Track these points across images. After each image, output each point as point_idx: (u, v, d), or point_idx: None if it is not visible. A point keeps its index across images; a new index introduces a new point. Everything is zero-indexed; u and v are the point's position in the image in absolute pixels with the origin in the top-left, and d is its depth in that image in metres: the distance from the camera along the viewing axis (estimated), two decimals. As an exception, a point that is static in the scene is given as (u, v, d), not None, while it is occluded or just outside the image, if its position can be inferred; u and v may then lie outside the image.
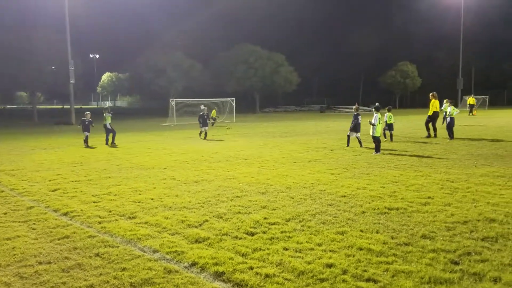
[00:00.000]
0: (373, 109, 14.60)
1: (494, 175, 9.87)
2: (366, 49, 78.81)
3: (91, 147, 17.97)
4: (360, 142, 15.79)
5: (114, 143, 18.87)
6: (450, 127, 18.00)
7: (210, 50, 68.20)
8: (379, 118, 14.29)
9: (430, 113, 19.11)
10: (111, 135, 18.99)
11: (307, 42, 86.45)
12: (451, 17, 68.16)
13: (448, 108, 18.52)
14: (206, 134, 21.37)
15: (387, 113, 18.15)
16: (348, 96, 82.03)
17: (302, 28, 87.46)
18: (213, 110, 34.06)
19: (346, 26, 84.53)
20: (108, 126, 19.09)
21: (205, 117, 21.78)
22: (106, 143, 18.90)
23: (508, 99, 71.06)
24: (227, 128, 26.72)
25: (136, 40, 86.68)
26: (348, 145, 16.00)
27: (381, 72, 74.37)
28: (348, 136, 16.17)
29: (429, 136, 18.96)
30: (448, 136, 17.86)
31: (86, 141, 18.53)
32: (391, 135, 18.05)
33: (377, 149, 14.17)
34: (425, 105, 32.42)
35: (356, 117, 15.86)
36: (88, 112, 20.11)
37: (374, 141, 14.37)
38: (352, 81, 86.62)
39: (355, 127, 15.83)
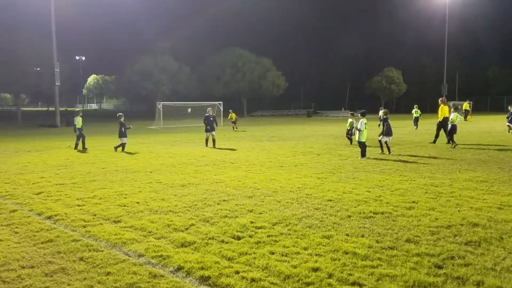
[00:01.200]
0: (359, 115, 14.73)
1: (477, 180, 10.03)
2: (352, 55, 79.73)
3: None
4: (388, 148, 15.26)
5: (78, 149, 17.93)
6: (451, 133, 17.51)
7: (198, 53, 68.21)
8: (365, 124, 14.38)
9: (440, 118, 18.59)
10: (81, 139, 18.05)
11: (295, 47, 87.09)
12: (436, 25, 69.33)
13: (451, 115, 17.88)
14: (214, 140, 18.72)
15: (350, 119, 18.77)
16: (335, 101, 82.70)
17: (290, 33, 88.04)
18: (231, 113, 32.18)
19: (333, 32, 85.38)
20: (78, 131, 18.16)
21: (211, 119, 18.86)
22: (76, 148, 17.95)
23: (491, 105, 72.35)
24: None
25: (123, 42, 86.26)
26: (382, 152, 15.29)
27: (367, 77, 75.16)
28: (380, 142, 15.47)
29: (434, 142, 18.63)
30: (451, 143, 17.29)
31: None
32: (351, 140, 18.72)
33: (363, 153, 14.27)
34: (410, 110, 32.80)
35: (386, 121, 15.41)
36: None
37: (360, 146, 14.45)
38: (338, 86, 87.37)
39: (388, 131, 15.25)
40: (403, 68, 74.38)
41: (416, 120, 30.02)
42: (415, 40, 78.58)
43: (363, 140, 14.33)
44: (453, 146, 16.96)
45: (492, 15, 76.26)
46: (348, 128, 18.94)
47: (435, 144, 17.59)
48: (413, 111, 30.53)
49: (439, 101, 19.32)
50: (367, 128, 14.64)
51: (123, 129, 17.70)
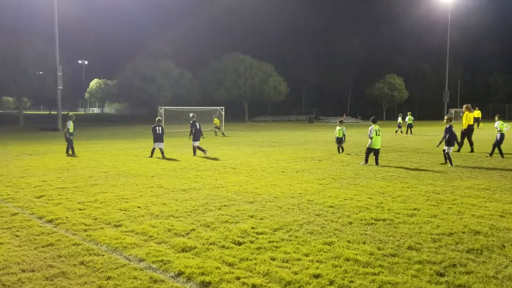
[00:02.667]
0: (370, 121, 14.54)
1: (479, 188, 10.00)
2: (354, 61, 79.85)
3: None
4: (450, 159, 13.98)
5: (69, 153, 17.60)
6: (498, 144, 16.08)
7: (200, 58, 68.39)
8: (376, 130, 14.04)
9: (464, 126, 17.87)
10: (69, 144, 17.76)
11: (297, 53, 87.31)
12: (437, 32, 69.52)
13: (496, 123, 16.49)
14: (194, 149, 17.49)
15: (338, 127, 17.60)
16: (336, 107, 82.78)
17: (291, 39, 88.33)
18: (215, 119, 31.64)
19: (335, 38, 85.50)
20: (71, 135, 17.92)
21: (198, 127, 17.79)
22: (67, 152, 17.68)
23: (493, 112, 72.23)
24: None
25: (125, 47, 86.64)
26: (452, 164, 13.79)
27: (369, 83, 75.23)
28: (446, 153, 14.08)
29: (458, 150, 17.58)
30: (499, 154, 15.99)
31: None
32: (342, 148, 17.82)
33: (366, 159, 14.24)
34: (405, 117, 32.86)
35: (450, 129, 14.05)
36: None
37: (366, 152, 14.32)
38: (340, 92, 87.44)
39: (450, 140, 14.04)
40: (404, 74, 74.43)
41: (409, 126, 30.85)
42: (417, 46, 78.71)
43: (373, 147, 14.02)
44: (501, 157, 15.77)
45: (494, 22, 76.47)
46: (337, 136, 17.59)
47: (460, 153, 16.93)
48: (407, 118, 31.26)
49: (464, 107, 18.53)
50: (380, 134, 14.24)
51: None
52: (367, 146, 14.27)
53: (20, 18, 57.95)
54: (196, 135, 17.51)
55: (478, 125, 38.57)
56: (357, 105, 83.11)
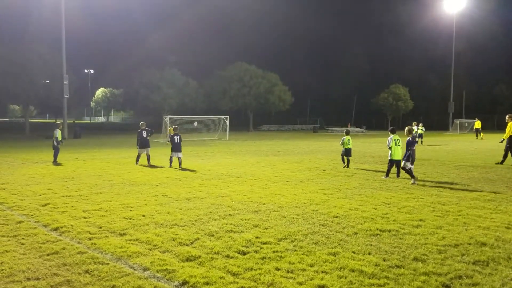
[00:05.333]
0: (389, 132, 13.92)
1: (485, 199, 9.94)
2: (359, 71, 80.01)
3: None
4: (411, 174, 12.56)
5: (57, 162, 17.61)
6: None
7: (205, 68, 68.86)
8: (395, 140, 13.41)
9: (505, 136, 17.28)
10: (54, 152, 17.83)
11: (302, 63, 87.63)
12: (443, 42, 69.62)
13: None
14: (138, 158, 17.05)
15: (346, 136, 16.22)
16: (341, 117, 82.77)
17: (296, 49, 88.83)
18: (169, 128, 31.70)
19: (340, 47, 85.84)
20: (59, 143, 17.97)
21: (144, 135, 17.05)
22: (55, 161, 17.67)
23: (499, 124, 71.91)
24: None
25: (131, 56, 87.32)
26: (414, 180, 12.42)
27: (374, 93, 75.24)
28: (409, 168, 12.54)
29: (502, 162, 17.01)
30: None
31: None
32: (348, 161, 16.23)
33: (387, 173, 13.47)
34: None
35: (412, 143, 12.70)
36: None
37: (388, 164, 13.55)
38: (345, 101, 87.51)
39: (410, 156, 12.52)
40: (409, 85, 74.42)
41: (420, 136, 30.34)
42: (422, 57, 78.89)
43: (393, 158, 13.37)
44: None
45: (500, 33, 76.50)
46: (346, 148, 16.19)
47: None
48: (420, 128, 30.80)
49: (507, 117, 17.60)
50: (400, 145, 13.46)
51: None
52: (388, 158, 13.67)
53: (27, 27, 58.71)
54: (143, 143, 17.11)
55: (478, 136, 38.50)
56: (361, 115, 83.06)
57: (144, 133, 17.06)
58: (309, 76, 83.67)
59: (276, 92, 63.89)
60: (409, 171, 12.53)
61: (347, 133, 16.61)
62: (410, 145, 12.62)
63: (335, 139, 39.70)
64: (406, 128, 13.31)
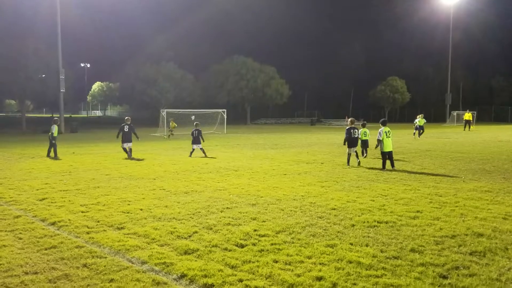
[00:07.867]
0: (380, 123, 14.03)
1: (482, 190, 9.98)
2: (356, 63, 79.93)
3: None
4: (348, 160, 14.30)
5: (50, 156, 17.73)
6: None
7: (202, 61, 68.61)
8: (385, 132, 13.52)
9: None
10: (52, 148, 17.91)
11: (299, 56, 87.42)
12: (440, 34, 69.58)
13: None
14: (126, 151, 17.45)
15: (362, 129, 16.52)
16: (338, 110, 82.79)
17: (293, 41, 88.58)
18: (171, 122, 32.15)
19: (337, 40, 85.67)
20: (54, 139, 17.97)
21: (126, 129, 17.50)
22: (48, 155, 17.78)
23: (496, 115, 72.16)
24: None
25: (128, 50, 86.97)
26: (348, 164, 14.14)
27: (371, 86, 75.24)
28: (348, 153, 14.14)
29: None
30: None
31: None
32: (366, 151, 16.75)
33: (383, 165, 13.58)
34: (413, 119, 32.75)
35: (348, 130, 14.27)
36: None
37: (382, 157, 13.72)
38: (342, 94, 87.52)
39: (350, 142, 14.22)
40: (406, 77, 74.43)
41: (421, 128, 29.60)
42: (419, 49, 78.86)
43: (385, 150, 13.51)
44: None
45: (497, 25, 76.46)
46: (362, 139, 16.48)
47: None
48: (419, 119, 30.00)
49: None
50: (391, 136, 13.74)
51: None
52: (380, 150, 13.79)
53: (23, 22, 58.19)
54: (124, 138, 17.55)
55: (469, 128, 38.48)
56: (359, 108, 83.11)
57: (126, 128, 17.51)
58: (307, 69, 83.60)
59: (273, 85, 63.84)
60: (348, 157, 14.41)
61: (363, 125, 17.07)
62: (347, 133, 14.54)
63: (333, 132, 39.76)
64: (350, 120, 15.52)
